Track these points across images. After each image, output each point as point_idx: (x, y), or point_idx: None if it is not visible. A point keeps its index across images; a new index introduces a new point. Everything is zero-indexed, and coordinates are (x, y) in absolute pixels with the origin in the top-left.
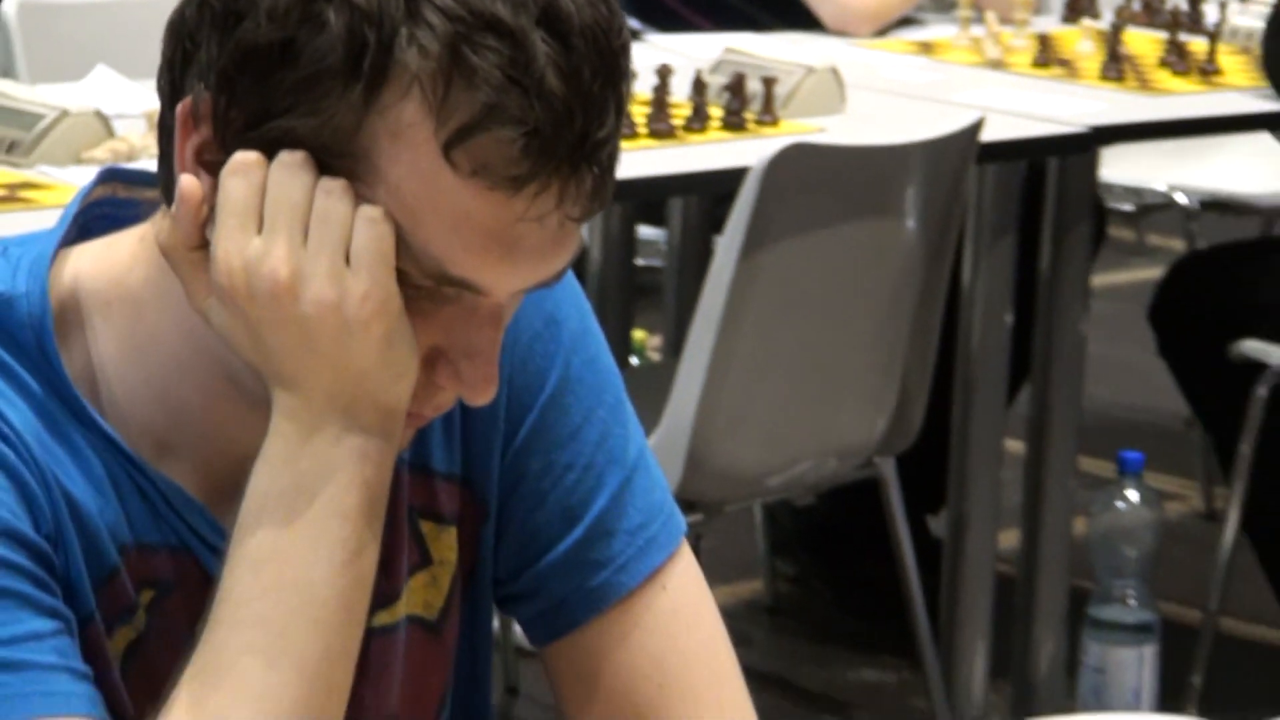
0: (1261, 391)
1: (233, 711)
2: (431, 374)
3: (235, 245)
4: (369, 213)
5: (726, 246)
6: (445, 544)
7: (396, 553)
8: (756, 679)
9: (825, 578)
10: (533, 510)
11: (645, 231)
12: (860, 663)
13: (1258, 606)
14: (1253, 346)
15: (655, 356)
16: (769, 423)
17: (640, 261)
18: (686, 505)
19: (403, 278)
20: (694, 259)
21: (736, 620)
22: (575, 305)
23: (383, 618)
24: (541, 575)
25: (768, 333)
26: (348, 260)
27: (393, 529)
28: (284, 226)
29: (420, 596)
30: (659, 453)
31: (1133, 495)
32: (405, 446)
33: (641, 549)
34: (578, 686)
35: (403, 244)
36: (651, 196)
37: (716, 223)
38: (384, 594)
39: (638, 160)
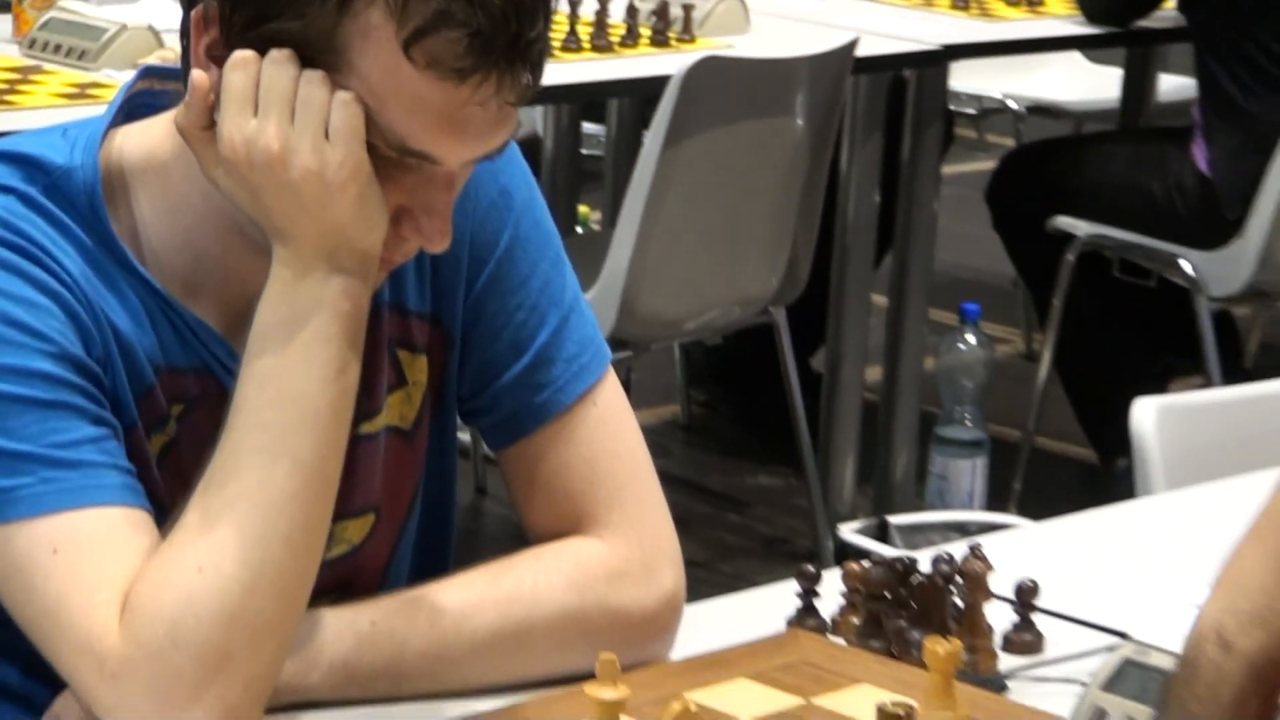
0: (1070, 257)
1: (240, 500)
2: (398, 228)
3: (236, 125)
4: (343, 97)
5: (652, 139)
6: (418, 368)
7: (377, 375)
8: (673, 483)
9: (729, 403)
10: (489, 342)
11: (589, 127)
12: (756, 470)
13: (1064, 427)
14: (1064, 221)
15: (596, 227)
16: (685, 278)
17: (585, 151)
18: (619, 344)
19: (372, 150)
20: (627, 149)
21: (658, 436)
22: (523, 180)
23: (366, 427)
24: (496, 394)
25: (685, 207)
26: (327, 135)
27: (374, 356)
28: (275, 109)
29: (397, 411)
30: (597, 302)
31: (970, 339)
32: (379, 286)
33: (576, 373)
34: (526, 483)
35: (371, 122)
36: (593, 98)
37: (645, 120)
38: (367, 409)
39: (582, 69)
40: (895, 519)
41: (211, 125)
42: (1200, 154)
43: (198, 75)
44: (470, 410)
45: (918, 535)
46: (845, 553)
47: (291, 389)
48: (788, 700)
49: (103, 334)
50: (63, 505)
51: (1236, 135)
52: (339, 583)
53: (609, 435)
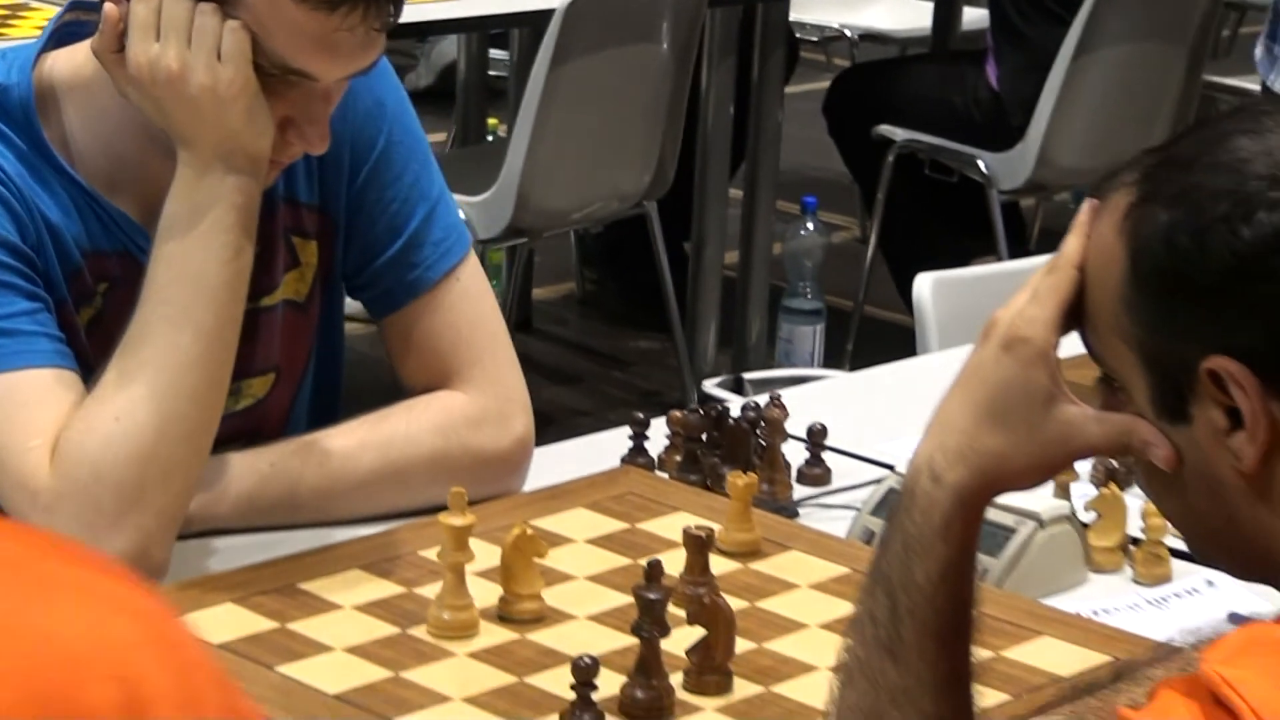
0: (890, 159)
1: (150, 362)
2: (284, 134)
3: (141, 49)
4: (233, 24)
5: (540, 61)
6: (309, 251)
7: (274, 258)
8: (569, 346)
9: (616, 280)
10: (368, 229)
11: (495, 53)
12: (637, 336)
13: (888, 298)
14: (885, 129)
15: (504, 136)
16: (570, 177)
17: (492, 73)
18: (516, 232)
19: (259, 69)
20: (526, 70)
21: (556, 308)
22: (395, 92)
23: (266, 301)
24: (375, 273)
25: (569, 118)
26: (220, 58)
27: (272, 241)
28: (174, 35)
29: (292, 287)
30: (498, 197)
31: (810, 226)
32: (270, 184)
33: (442, 255)
34: (401, 347)
35: (257, 46)
36: (497, 28)
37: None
38: (266, 285)
39: (489, 4)
40: (749, 375)
41: (121, 49)
42: (991, 72)
43: (109, 7)
44: (354, 286)
45: (767, 388)
46: (707, 403)
47: (193, 269)
48: (616, 525)
49: (35, 224)
50: (2, 367)
51: (1021, 57)
52: (246, 431)
53: (470, 306)
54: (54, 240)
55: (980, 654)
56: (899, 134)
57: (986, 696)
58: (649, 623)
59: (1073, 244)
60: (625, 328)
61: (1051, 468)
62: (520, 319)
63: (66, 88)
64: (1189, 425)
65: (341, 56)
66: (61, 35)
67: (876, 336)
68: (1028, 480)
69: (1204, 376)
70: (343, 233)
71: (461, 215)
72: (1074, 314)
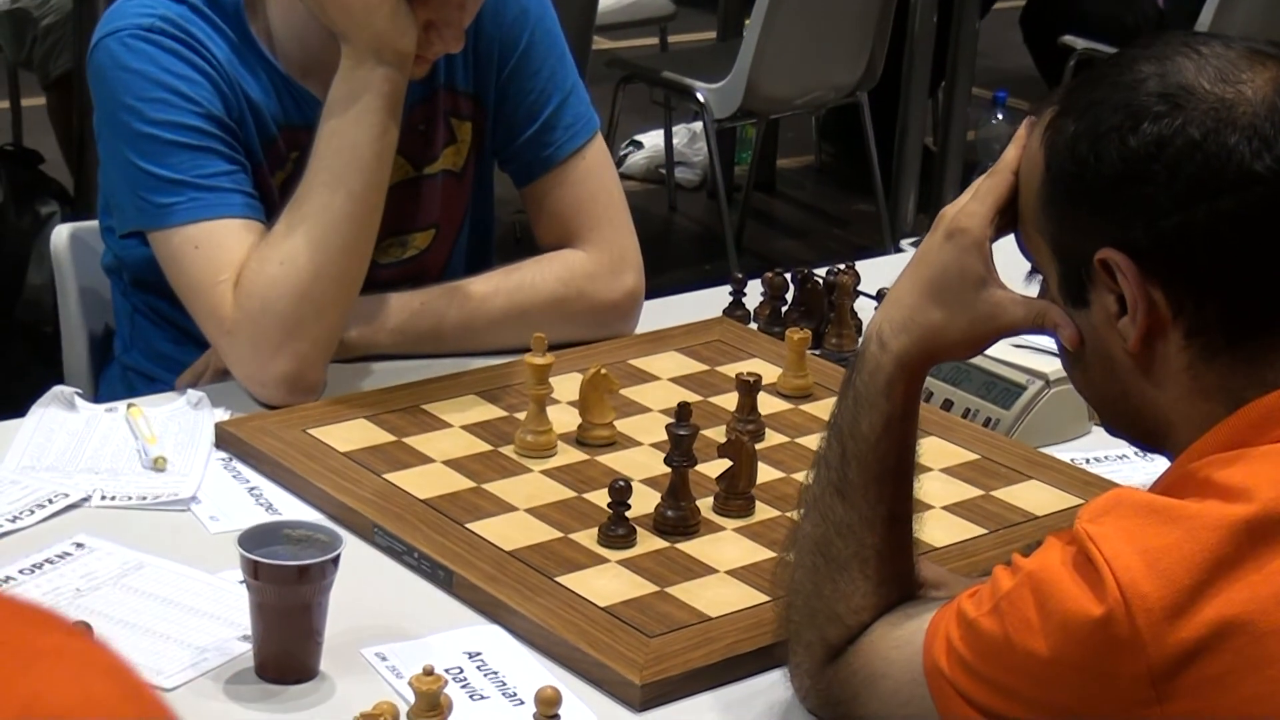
0: (1071, 62)
1: (310, 217)
2: (427, 35)
3: None
4: None
5: None
6: (465, 130)
7: (435, 134)
8: (803, 207)
9: (845, 154)
10: (511, 113)
11: None
12: (858, 200)
13: None
14: (1069, 39)
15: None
16: (793, 69)
17: None
18: (747, 114)
19: None
20: None
21: (796, 175)
22: (538, 2)
23: (428, 170)
24: (515, 150)
25: (794, 20)
26: None
27: (434, 121)
28: None
29: (450, 159)
30: (732, 84)
31: (1000, 116)
32: (417, 77)
33: (571, 137)
34: (537, 211)
35: None
36: None
37: None
38: (428, 157)
39: None
40: None
41: None
42: None
43: None
44: (501, 160)
45: None
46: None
47: (347, 143)
48: (698, 367)
49: (239, 101)
50: (203, 216)
51: None
52: (411, 276)
53: (593, 180)
54: (254, 115)
55: (969, 492)
56: (1079, 43)
57: (966, 529)
58: (679, 454)
59: (1011, 153)
60: (850, 193)
61: (980, 341)
62: (764, 182)
63: None
64: (1088, 310)
65: None
66: None
67: None
68: (960, 351)
69: (1098, 266)
70: (492, 115)
71: (701, 98)
72: (1009, 214)
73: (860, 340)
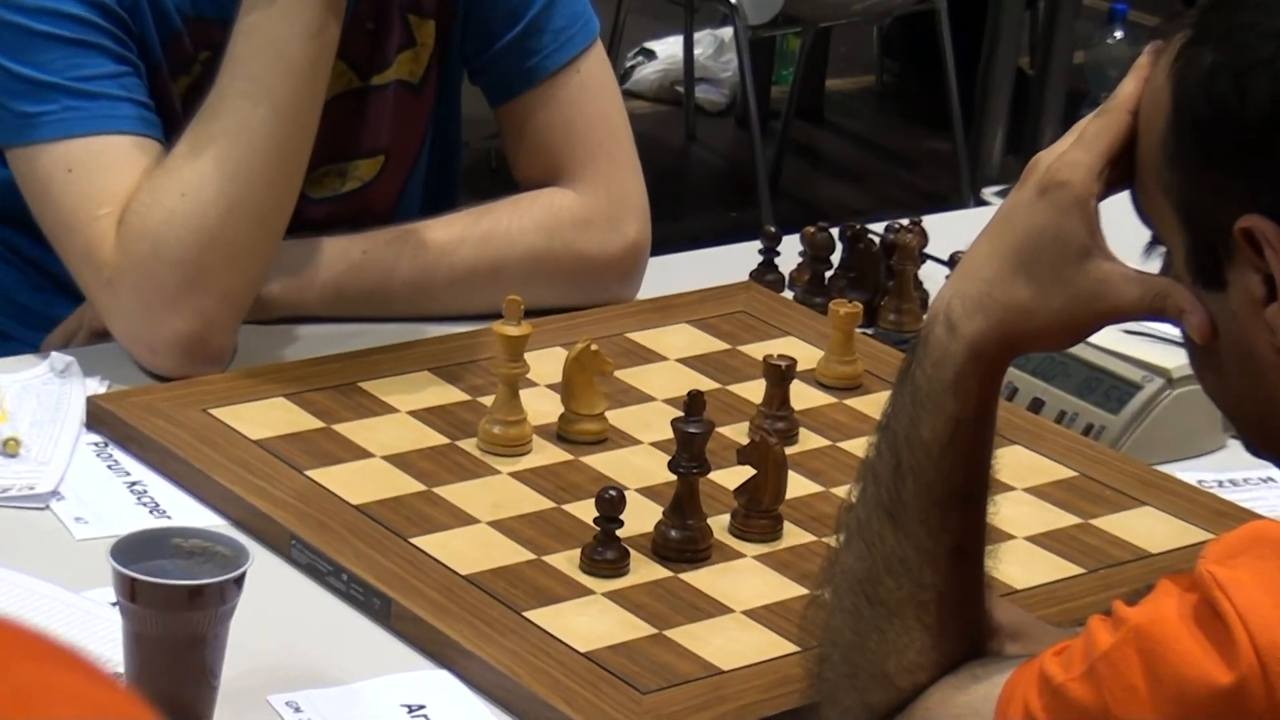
0: None
1: (223, 136)
2: None
3: None
4: None
5: None
6: (426, 31)
7: (388, 35)
8: (858, 141)
9: (915, 75)
10: (488, 10)
11: None
12: (930, 135)
13: None
14: None
15: None
16: None
17: None
18: (790, 20)
19: None
20: None
21: (851, 100)
22: None
23: (377, 79)
24: (492, 57)
25: None
26: None
27: (386, 18)
28: None
29: (406, 67)
30: None
31: (1119, 34)
32: None
33: (562, 44)
34: (515, 138)
35: None
36: None
37: None
38: (378, 63)
39: None
40: None
41: None
42: None
43: None
44: (472, 70)
45: None
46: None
47: (274, 42)
48: (716, 345)
49: None
50: (80, 130)
51: None
52: (351, 215)
53: (589, 100)
54: (151, 3)
55: (1062, 519)
56: None
57: (1058, 567)
58: (687, 458)
59: (1128, 87)
60: (919, 125)
61: (1078, 328)
62: (810, 109)
63: None
64: (1225, 293)
65: None
66: None
67: None
68: (1050, 340)
69: (1239, 237)
70: (462, 14)
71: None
72: (1123, 165)
73: (924, 320)
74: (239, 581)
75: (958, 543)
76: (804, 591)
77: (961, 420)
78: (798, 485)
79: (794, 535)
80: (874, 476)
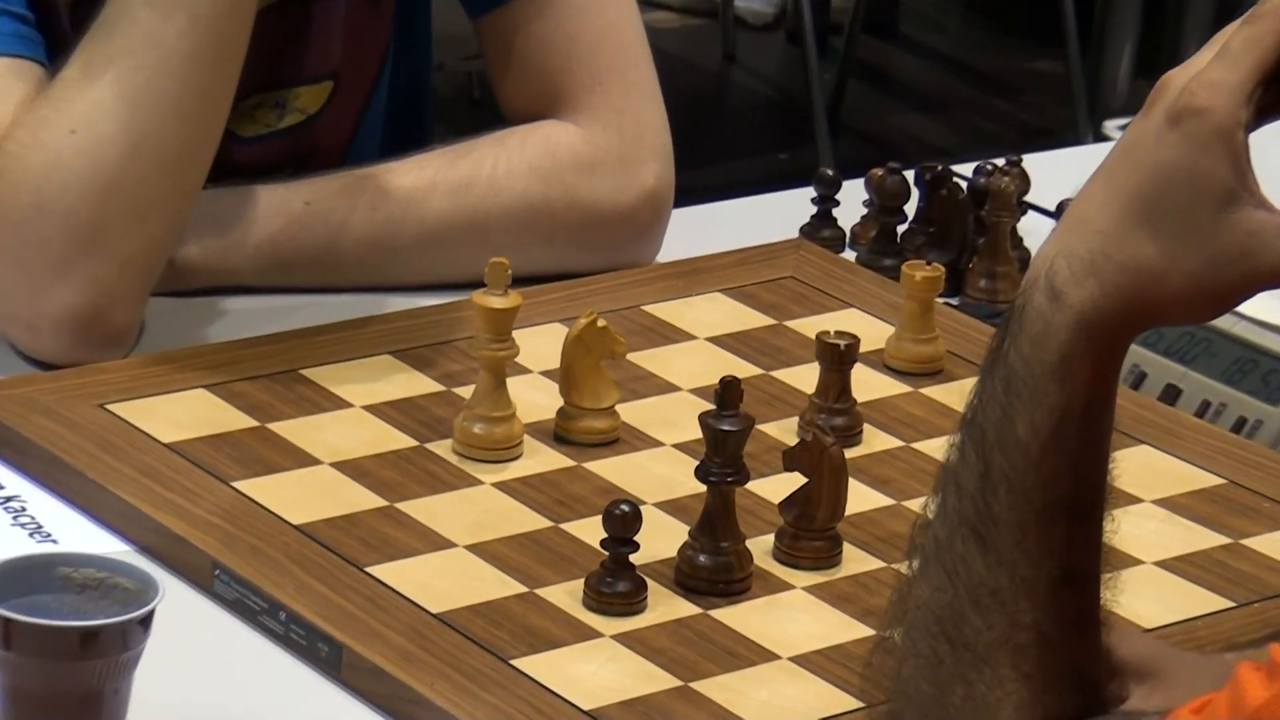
0: None
1: (124, 56)
2: None
3: None
4: None
5: None
6: None
7: None
8: (941, 61)
9: None
10: None
11: None
12: (1034, 54)
13: None
14: None
15: None
16: None
17: None
18: None
19: None
20: None
21: (932, 10)
22: None
23: None
24: None
25: None
26: None
27: None
28: None
29: None
30: None
31: None
32: None
33: None
34: (502, 57)
35: None
36: None
37: None
38: None
39: None
40: None
41: None
42: None
43: None
44: None
45: None
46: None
47: None
48: (759, 320)
49: None
50: None
51: None
52: (295, 155)
53: (595, 9)
54: None
55: (1205, 539)
56: None
57: (1198, 599)
58: (719, 463)
59: None
60: (1020, 41)
61: (1221, 295)
62: (879, 21)
63: None
64: None
65: None
66: None
67: None
68: (1186, 310)
69: None
70: None
71: None
72: (1278, 86)
73: (1021, 287)
74: (145, 622)
75: (1065, 569)
76: (869, 632)
77: (1069, 413)
78: (861, 497)
79: (856, 561)
80: (956, 486)
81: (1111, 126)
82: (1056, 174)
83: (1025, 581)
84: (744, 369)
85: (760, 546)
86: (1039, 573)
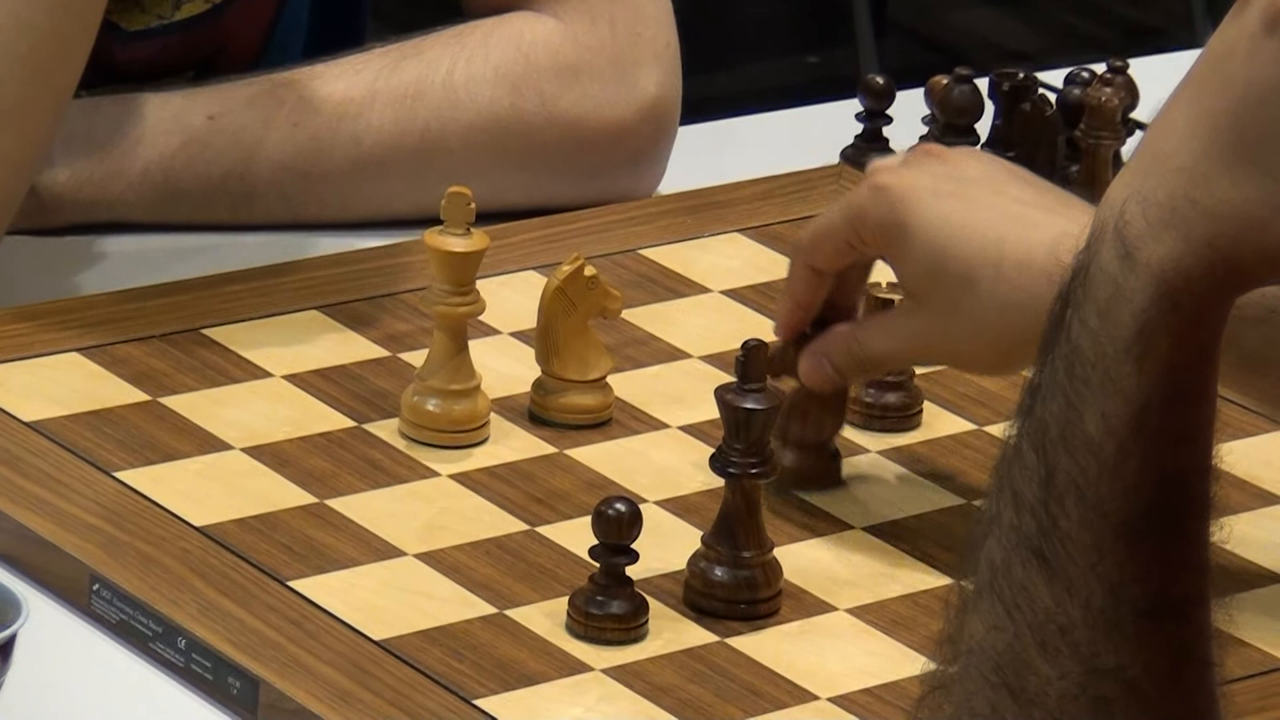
0: None
1: None
2: None
3: None
4: None
5: None
6: None
7: None
8: None
9: None
10: None
11: None
12: None
13: None
14: None
15: None
16: None
17: None
18: None
19: None
20: None
21: None
22: None
23: None
24: None
25: None
26: None
27: None
28: None
29: None
30: None
31: None
32: None
33: None
34: None
35: None
36: None
37: None
38: None
39: None
40: None
41: None
42: None
43: None
44: None
45: None
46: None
47: None
48: (786, 268)
49: None
50: None
51: None
52: (196, 55)
53: None
54: None
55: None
56: None
57: None
58: (741, 451)
59: None
60: None
61: None
62: None
63: None
64: None
65: None
66: None
67: None
68: None
69: None
70: None
71: None
72: None
73: (1085, 241)
74: (5, 649)
75: (1155, 598)
76: (919, 666)
77: (1150, 403)
78: (921, 495)
79: (913, 577)
80: (1013, 495)
81: None
82: (1170, 84)
83: (1104, 616)
84: (770, 331)
85: (792, 557)
86: (1121, 604)
